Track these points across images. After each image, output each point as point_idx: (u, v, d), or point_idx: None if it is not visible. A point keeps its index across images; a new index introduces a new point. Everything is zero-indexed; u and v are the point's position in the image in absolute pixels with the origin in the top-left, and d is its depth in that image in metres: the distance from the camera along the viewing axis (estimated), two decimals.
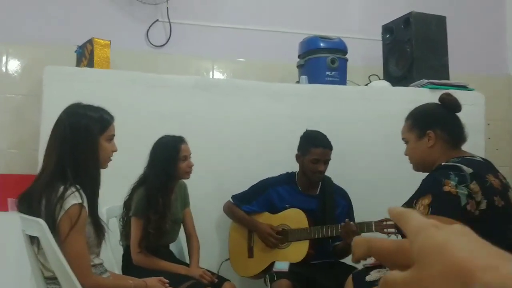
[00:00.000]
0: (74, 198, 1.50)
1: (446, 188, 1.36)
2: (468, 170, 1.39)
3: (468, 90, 2.90)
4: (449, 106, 1.60)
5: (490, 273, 0.28)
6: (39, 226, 1.46)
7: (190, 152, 2.18)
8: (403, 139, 1.69)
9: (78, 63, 2.72)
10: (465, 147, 1.63)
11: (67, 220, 1.47)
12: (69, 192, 1.50)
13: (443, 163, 1.48)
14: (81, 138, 1.57)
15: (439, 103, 1.63)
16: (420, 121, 1.62)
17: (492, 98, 3.25)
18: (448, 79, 2.96)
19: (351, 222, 2.13)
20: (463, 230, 0.32)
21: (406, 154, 1.68)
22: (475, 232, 1.22)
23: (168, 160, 2.10)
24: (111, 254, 2.03)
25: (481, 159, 1.54)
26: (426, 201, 1.38)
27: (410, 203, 1.49)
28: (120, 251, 2.17)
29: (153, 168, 2.12)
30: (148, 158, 2.15)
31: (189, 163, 2.16)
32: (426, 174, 1.57)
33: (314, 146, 2.32)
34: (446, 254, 0.30)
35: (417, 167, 1.66)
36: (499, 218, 1.40)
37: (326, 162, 2.34)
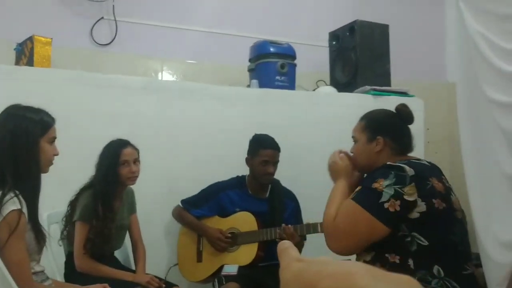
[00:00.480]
0: (12, 204, 1.44)
1: (375, 185, 1.44)
2: (410, 171, 1.45)
3: (408, 96, 3.03)
4: (403, 117, 1.67)
5: (327, 283, 0.34)
6: None
7: (135, 156, 2.08)
8: (353, 137, 1.74)
9: (17, 62, 2.59)
10: None
11: (6, 226, 1.42)
12: (7, 197, 1.44)
13: (388, 162, 1.53)
14: (20, 141, 1.51)
15: (394, 112, 1.70)
16: (373, 126, 1.67)
17: (432, 104, 3.42)
18: (389, 85, 3.09)
19: (288, 225, 2.17)
20: (321, 260, 0.38)
21: (351, 152, 1.74)
22: (414, 230, 1.27)
23: (108, 166, 2.03)
24: (52, 261, 1.96)
25: (427, 163, 1.61)
26: (357, 189, 1.51)
27: None
28: (62, 258, 2.08)
29: (96, 172, 2.06)
30: (97, 160, 2.07)
31: (131, 168, 2.05)
32: None
33: (262, 148, 2.36)
34: (300, 279, 0.37)
35: (361, 167, 1.71)
36: (441, 221, 1.46)
37: (275, 164, 2.38)
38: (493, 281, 1.86)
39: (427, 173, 1.51)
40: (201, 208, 2.41)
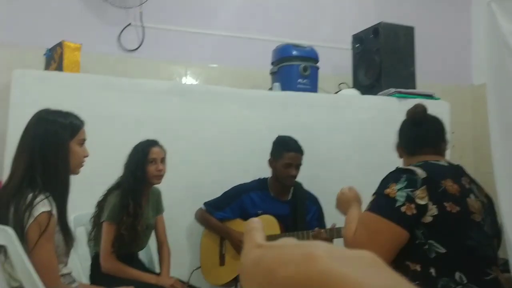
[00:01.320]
0: (43, 205, 1.47)
1: (387, 191, 1.43)
2: (422, 174, 1.44)
3: (434, 99, 3.00)
4: (410, 118, 1.71)
5: (285, 269, 0.32)
6: (6, 234, 1.43)
7: (162, 156, 2.15)
8: None
9: (47, 67, 2.67)
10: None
11: (36, 228, 1.45)
12: (38, 199, 1.48)
13: (399, 166, 1.56)
14: (50, 145, 1.55)
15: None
16: (396, 138, 1.76)
17: (457, 107, 3.37)
18: (414, 88, 3.05)
19: (321, 230, 2.16)
20: (280, 243, 0.35)
21: None
22: (430, 237, 1.25)
23: (137, 163, 2.09)
24: (78, 263, 2.00)
25: (446, 164, 1.58)
26: (372, 198, 1.49)
27: None
28: (88, 260, 2.13)
29: (125, 171, 2.11)
30: (126, 160, 2.13)
31: (158, 166, 2.11)
32: None
33: (286, 150, 2.36)
34: (258, 267, 0.34)
35: None
36: (456, 225, 1.43)
37: (297, 166, 2.38)
38: None
39: (441, 175, 1.48)
40: (223, 211, 2.42)
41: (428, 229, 1.40)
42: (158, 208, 2.27)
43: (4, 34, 2.92)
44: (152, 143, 2.14)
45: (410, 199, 1.40)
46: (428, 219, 1.40)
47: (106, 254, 2.01)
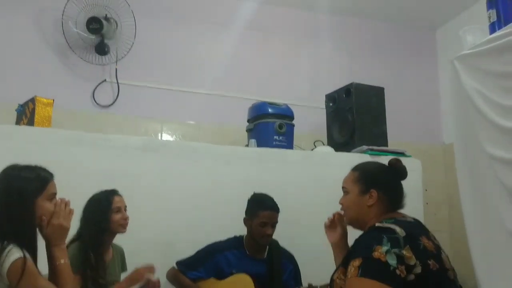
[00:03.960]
0: (13, 253, 1.41)
1: (376, 255, 1.36)
2: (401, 233, 1.40)
3: (406, 156, 3.05)
4: (397, 171, 1.64)
5: None
6: None
7: (125, 204, 2.11)
8: (343, 187, 1.69)
9: (18, 122, 2.62)
10: (405, 211, 1.64)
11: (14, 277, 1.38)
12: (7, 249, 1.42)
13: (376, 224, 1.48)
14: (14, 202, 1.50)
15: (388, 166, 1.67)
16: (367, 178, 1.63)
17: (429, 165, 3.44)
18: (387, 146, 3.11)
19: None
20: None
21: (341, 203, 1.69)
22: None
23: (100, 213, 2.02)
24: None
25: (412, 220, 1.56)
26: (356, 262, 1.38)
27: (345, 264, 1.48)
28: None
29: (85, 223, 2.02)
30: (81, 214, 2.04)
31: (124, 215, 2.07)
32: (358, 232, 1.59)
33: (262, 209, 2.33)
34: None
35: (350, 221, 1.67)
36: (435, 281, 1.39)
37: (273, 225, 2.34)
38: None
39: (416, 232, 1.46)
40: (197, 270, 2.33)
41: (407, 286, 1.35)
42: (123, 266, 2.18)
43: None
44: (113, 192, 2.10)
45: (401, 261, 1.35)
46: (411, 277, 1.36)
47: None
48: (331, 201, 2.84)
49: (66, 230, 1.60)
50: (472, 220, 2.20)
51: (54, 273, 1.55)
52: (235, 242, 2.42)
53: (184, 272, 2.34)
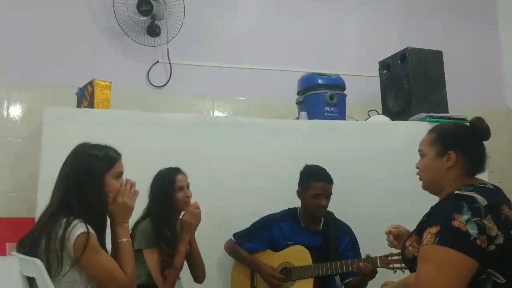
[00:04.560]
0: (78, 228, 1.47)
1: (455, 223, 1.28)
2: (483, 201, 1.31)
3: (468, 122, 2.89)
4: (479, 131, 1.53)
5: None
6: (35, 266, 1.43)
7: (188, 182, 2.16)
8: (419, 150, 1.58)
9: (79, 105, 2.74)
10: None
11: (78, 250, 1.45)
12: (73, 224, 1.48)
13: (455, 192, 1.39)
14: (85, 178, 1.57)
15: (469, 126, 1.56)
16: (446, 139, 1.52)
17: (493, 131, 3.22)
18: (447, 112, 2.97)
19: (365, 263, 2.09)
20: None
21: (417, 167, 1.59)
22: (490, 266, 1.12)
23: (165, 192, 2.09)
24: None
25: (493, 187, 1.46)
26: (434, 229, 1.31)
27: (419, 232, 1.41)
28: None
29: (153, 201, 2.11)
30: (149, 191, 2.13)
31: (186, 193, 2.13)
32: (433, 198, 1.51)
33: (314, 180, 2.31)
34: None
35: (427, 185, 1.57)
36: None
37: (327, 196, 2.32)
38: None
39: (498, 201, 1.36)
40: (253, 242, 2.37)
41: (489, 257, 1.28)
42: None
43: (37, 75, 3.04)
44: (176, 170, 2.16)
45: (482, 231, 1.27)
46: (491, 247, 1.28)
47: (159, 277, 1.98)
48: (388, 171, 2.79)
49: (130, 209, 1.65)
50: None
51: (115, 250, 1.61)
52: (289, 214, 2.42)
53: (240, 244, 2.39)
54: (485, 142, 2.88)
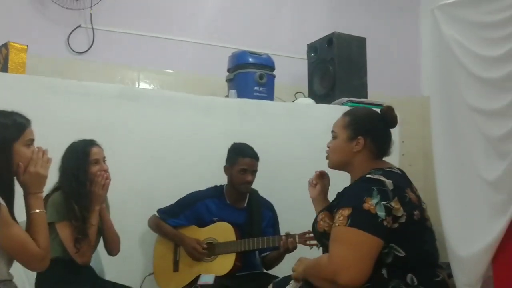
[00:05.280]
0: None
1: (366, 206, 1.40)
2: (390, 185, 1.44)
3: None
4: (388, 119, 1.64)
5: None
6: None
7: (104, 155, 2.07)
8: (333, 132, 1.69)
9: None
10: None
11: None
12: None
13: (367, 176, 1.51)
14: None
15: (379, 113, 1.66)
16: (357, 124, 1.63)
17: (407, 117, 3.48)
18: (366, 97, 3.13)
19: (290, 239, 2.17)
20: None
21: (328, 146, 1.70)
22: (392, 241, 1.27)
23: (78, 165, 2.00)
24: (22, 271, 1.88)
25: (398, 171, 1.60)
26: (346, 212, 1.42)
27: (331, 210, 1.53)
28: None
29: (64, 174, 2.01)
30: (59, 164, 2.02)
31: (102, 166, 2.04)
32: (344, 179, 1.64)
33: (241, 156, 2.36)
34: None
35: (333, 164, 1.69)
36: (417, 231, 1.47)
37: (253, 172, 2.38)
38: (465, 284, 1.87)
39: (402, 184, 1.50)
40: (178, 218, 2.37)
41: (393, 234, 1.41)
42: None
43: None
44: (90, 142, 2.06)
45: (389, 212, 1.40)
46: (395, 225, 1.41)
47: (73, 249, 1.91)
48: (311, 152, 2.89)
49: (43, 178, 1.56)
50: (445, 171, 2.26)
51: (29, 221, 1.53)
52: (215, 191, 2.45)
53: (165, 220, 2.38)
54: (399, 127, 3.09)
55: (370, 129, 1.62)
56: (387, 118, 1.64)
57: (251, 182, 2.38)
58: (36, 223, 1.52)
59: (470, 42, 2.06)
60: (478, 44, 2.02)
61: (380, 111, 1.67)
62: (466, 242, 1.99)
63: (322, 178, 1.90)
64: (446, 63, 2.17)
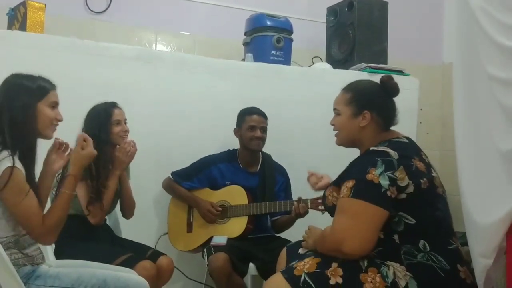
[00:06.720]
0: (4, 162, 1.43)
1: (369, 176, 1.41)
2: (395, 155, 1.44)
3: (404, 75, 3.02)
4: (389, 89, 1.62)
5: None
6: None
7: (125, 117, 2.14)
8: (335, 109, 1.68)
9: (10, 27, 2.55)
10: (397, 129, 1.66)
11: (3, 183, 1.42)
12: (1, 155, 1.44)
13: (371, 148, 1.51)
14: (16, 107, 1.52)
15: (379, 84, 1.64)
16: (360, 100, 1.61)
17: (427, 84, 3.41)
18: (386, 64, 3.07)
19: (302, 204, 2.18)
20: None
21: (332, 124, 1.69)
22: (401, 210, 1.28)
23: (100, 125, 2.05)
24: None
25: (406, 140, 1.59)
26: (350, 183, 1.44)
27: (338, 184, 1.55)
28: None
29: (86, 134, 2.05)
30: (83, 125, 2.07)
31: (124, 127, 2.12)
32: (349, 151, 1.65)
33: (248, 114, 2.40)
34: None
35: (342, 141, 1.68)
36: (426, 199, 1.47)
37: (262, 129, 2.39)
38: (480, 254, 1.88)
39: (409, 153, 1.50)
40: (191, 181, 2.42)
41: (400, 204, 1.42)
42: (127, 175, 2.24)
43: None
44: (112, 104, 2.12)
45: (393, 183, 1.40)
46: (402, 196, 1.42)
47: (87, 213, 1.97)
48: (326, 118, 2.87)
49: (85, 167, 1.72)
50: (463, 140, 2.23)
51: (56, 195, 1.61)
52: (228, 155, 2.48)
53: (179, 182, 2.42)
54: (418, 93, 3.03)
55: (374, 101, 1.60)
56: (388, 87, 1.62)
57: (260, 138, 2.39)
58: (57, 202, 1.57)
59: (495, 9, 1.99)
60: (502, 11, 1.95)
61: (380, 80, 1.65)
62: (484, 211, 1.98)
63: (317, 175, 1.95)
64: (470, 30, 2.10)
